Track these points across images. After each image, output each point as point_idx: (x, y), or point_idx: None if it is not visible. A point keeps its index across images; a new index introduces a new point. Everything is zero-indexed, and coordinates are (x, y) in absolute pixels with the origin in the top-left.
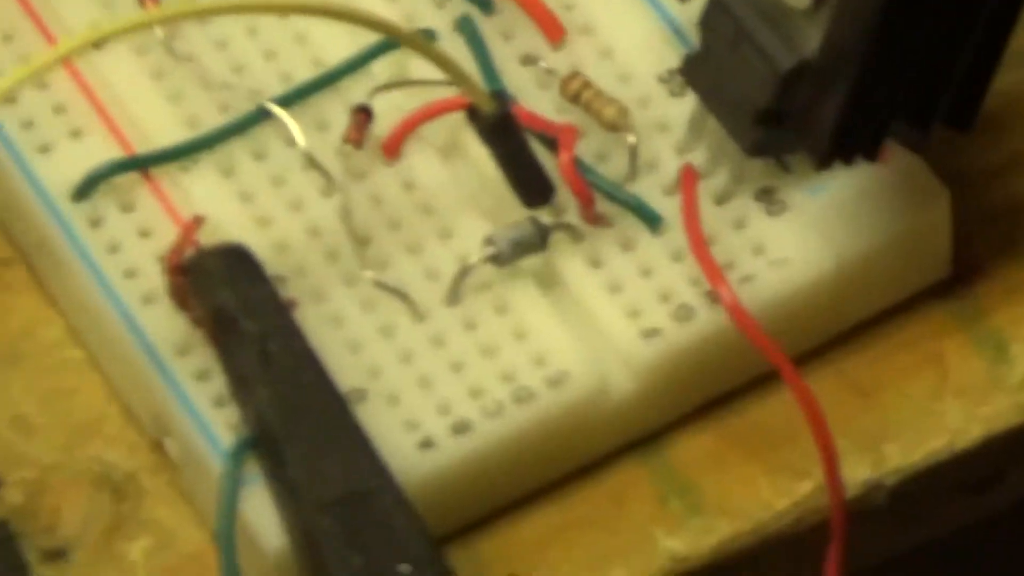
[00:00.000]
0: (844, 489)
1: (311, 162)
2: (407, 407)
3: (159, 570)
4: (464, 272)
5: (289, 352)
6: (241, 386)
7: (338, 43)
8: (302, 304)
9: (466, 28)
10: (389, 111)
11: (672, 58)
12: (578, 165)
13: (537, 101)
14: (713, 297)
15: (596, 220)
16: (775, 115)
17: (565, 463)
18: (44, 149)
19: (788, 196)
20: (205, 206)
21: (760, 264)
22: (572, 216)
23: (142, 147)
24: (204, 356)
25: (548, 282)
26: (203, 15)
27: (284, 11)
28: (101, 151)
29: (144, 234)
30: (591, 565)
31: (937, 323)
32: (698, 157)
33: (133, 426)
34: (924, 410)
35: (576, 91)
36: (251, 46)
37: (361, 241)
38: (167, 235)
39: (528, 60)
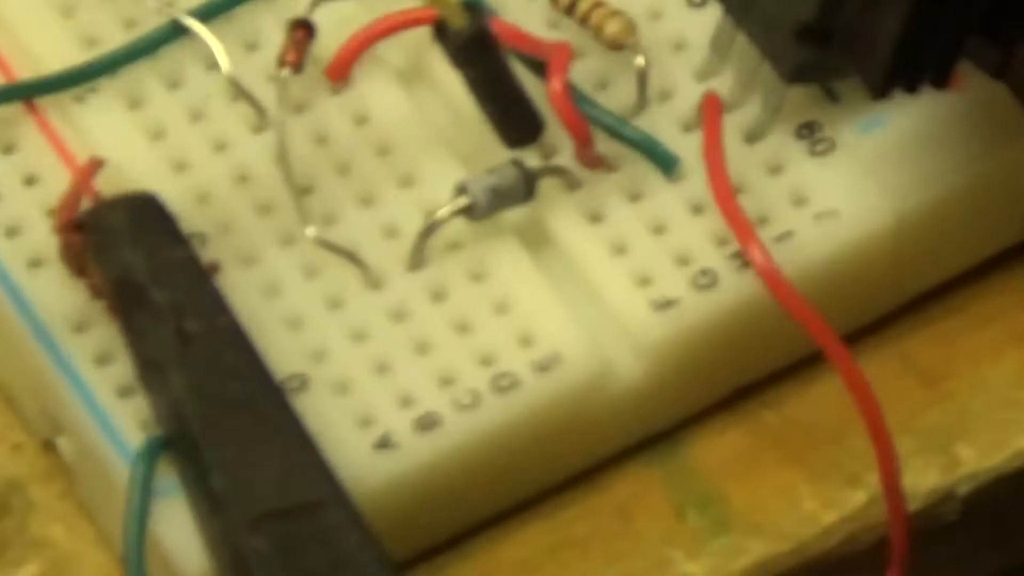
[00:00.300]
0: (906, 500)
1: (237, 90)
2: (360, 398)
3: None
4: (430, 228)
5: (211, 329)
6: (152, 372)
7: None
8: (227, 269)
9: None
10: (335, 26)
11: None
12: (573, 94)
13: (522, 13)
14: (742, 259)
15: (595, 163)
16: (820, 31)
17: (558, 468)
18: None
19: (836, 133)
20: (106, 146)
21: (801, 218)
22: (565, 158)
23: (26, 72)
24: (105, 334)
25: (536, 241)
26: None
27: None
28: None
29: (29, 181)
30: None
31: (1020, 293)
32: (724, 84)
33: (17, 422)
34: (1005, 401)
35: (571, 1)
36: None
37: (301, 190)
38: (58, 182)
39: None
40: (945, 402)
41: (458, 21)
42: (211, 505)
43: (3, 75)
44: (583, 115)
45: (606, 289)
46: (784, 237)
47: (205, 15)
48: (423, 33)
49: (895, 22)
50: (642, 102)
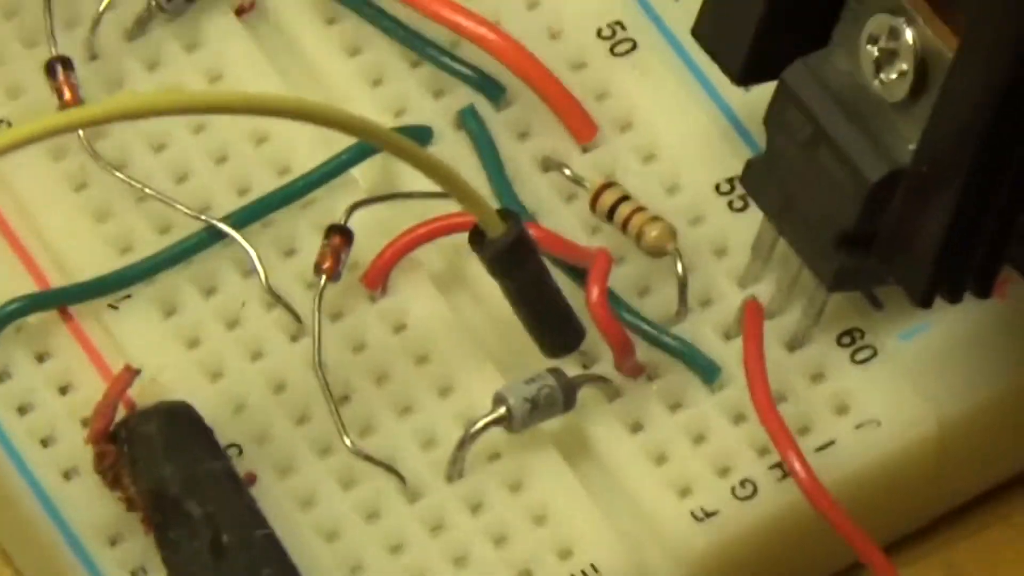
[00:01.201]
0: None
1: (274, 298)
2: None
3: None
4: (468, 439)
5: (247, 542)
6: None
7: (308, 145)
8: (263, 479)
9: (471, 124)
10: (372, 231)
11: (732, 162)
12: (613, 302)
13: (561, 217)
14: (784, 469)
15: (636, 372)
16: (862, 238)
17: None
18: None
19: (878, 341)
20: (140, 353)
21: (843, 427)
22: (606, 367)
23: (60, 279)
24: (140, 546)
25: (575, 451)
26: (134, 117)
27: (235, 111)
28: (8, 285)
29: (63, 390)
30: None
31: None
32: (765, 290)
33: None
34: None
35: (611, 206)
36: (197, 148)
37: (338, 399)
38: (92, 391)
39: (550, 165)
40: None
41: (495, 227)
42: None
43: (36, 282)
44: (623, 324)
45: (646, 500)
46: (825, 447)
47: (240, 221)
48: (460, 239)
49: (936, 232)
50: (683, 309)
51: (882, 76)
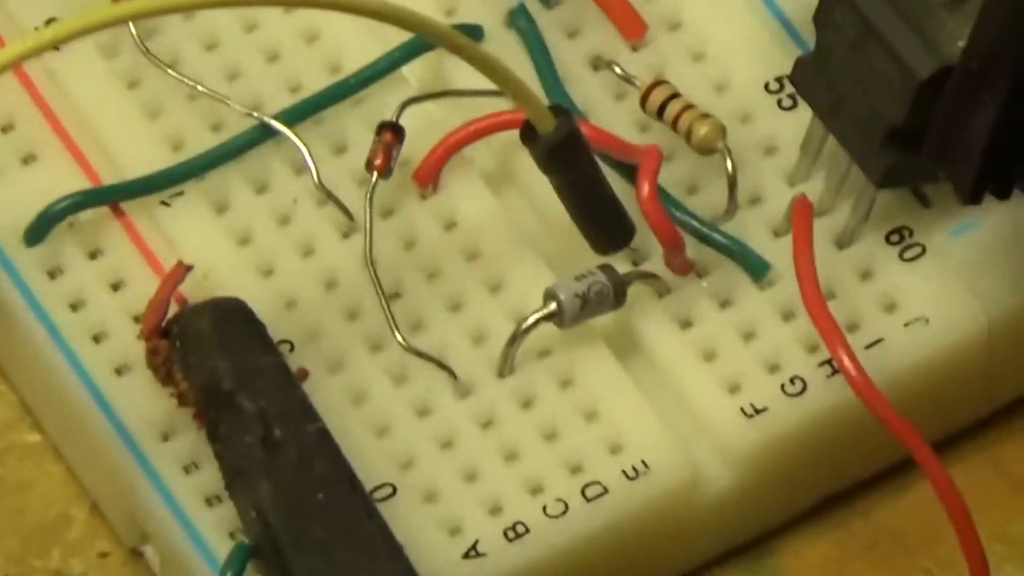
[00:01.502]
0: None
1: (325, 194)
2: (448, 506)
3: None
4: (519, 335)
5: (299, 437)
6: (239, 480)
7: (359, 43)
8: (315, 375)
9: (521, 23)
10: (423, 128)
11: (781, 61)
12: (663, 199)
13: (611, 116)
14: (833, 366)
15: (686, 268)
16: (911, 135)
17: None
18: None
19: (927, 238)
20: (192, 250)
21: (892, 324)
22: (655, 264)
23: (111, 176)
24: (192, 441)
25: (625, 347)
26: (187, 8)
27: (290, 3)
28: (60, 180)
29: (115, 286)
30: None
31: None
32: (814, 188)
33: (104, 530)
34: None
35: (660, 103)
36: (249, 47)
37: (389, 295)
38: (144, 287)
39: (600, 63)
40: None
41: (546, 124)
42: None
43: (89, 179)
44: (673, 220)
45: (696, 396)
46: (874, 344)
47: (292, 118)
48: (511, 136)
49: (985, 126)
50: (732, 207)
51: None
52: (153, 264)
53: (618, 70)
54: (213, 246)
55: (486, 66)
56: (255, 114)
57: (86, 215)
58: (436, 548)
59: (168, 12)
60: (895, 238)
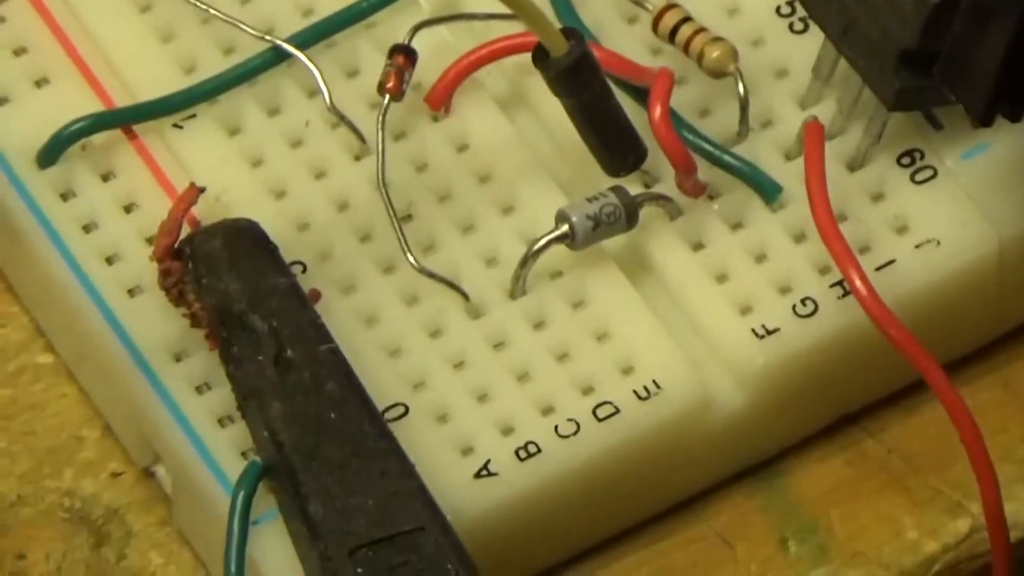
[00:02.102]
0: (1008, 529)
1: (338, 117)
2: (460, 427)
3: None
4: (531, 256)
5: (311, 357)
6: (251, 400)
7: None
8: (327, 296)
9: None
10: (435, 52)
11: None
12: (675, 121)
13: (623, 39)
14: (845, 287)
15: (698, 190)
16: (923, 57)
17: (659, 497)
18: (1, 101)
19: (939, 160)
20: (205, 173)
21: (903, 246)
22: (667, 186)
23: (124, 99)
24: (204, 362)
25: (637, 269)
26: None
27: None
28: (73, 103)
29: (128, 208)
30: None
31: None
32: (826, 111)
33: (117, 450)
34: None
35: (672, 27)
36: None
37: (401, 217)
38: (157, 209)
39: None
40: None
41: (558, 47)
42: (309, 533)
43: (102, 102)
44: (685, 143)
45: (707, 317)
46: (886, 265)
47: (304, 41)
48: (524, 59)
49: (996, 50)
50: (744, 129)
51: None
52: (166, 186)
53: None
54: (225, 168)
55: None
56: (267, 37)
57: (99, 138)
58: (448, 468)
59: None
60: (906, 160)
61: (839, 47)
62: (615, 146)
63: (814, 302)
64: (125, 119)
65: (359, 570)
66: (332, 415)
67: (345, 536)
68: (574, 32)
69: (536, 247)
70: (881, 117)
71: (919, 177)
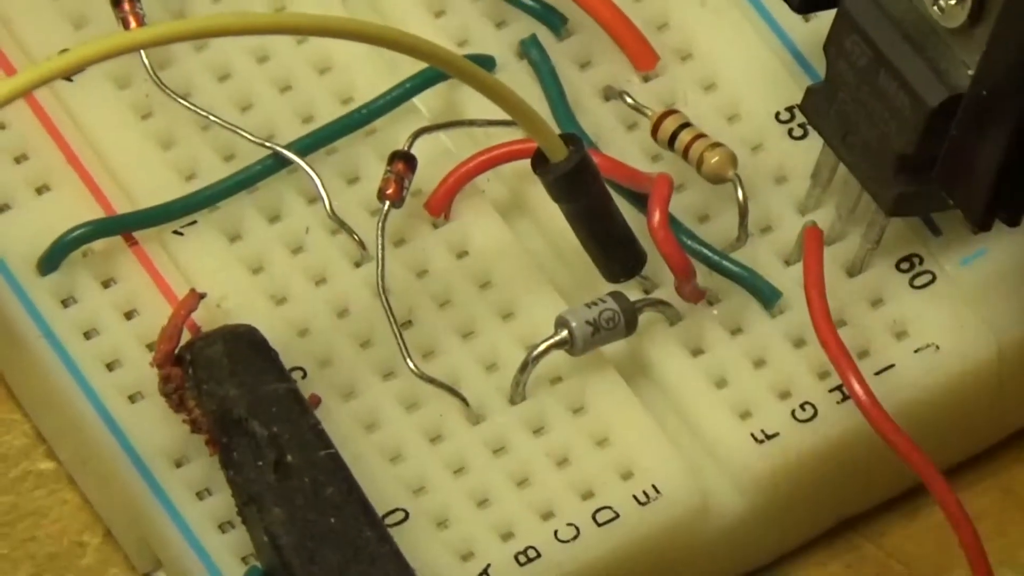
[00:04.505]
0: None
1: (338, 223)
2: (460, 532)
3: None
4: (531, 361)
5: (311, 462)
6: (251, 505)
7: (371, 73)
8: (327, 401)
9: (533, 53)
10: (435, 157)
11: (792, 91)
12: (674, 226)
13: (622, 145)
14: (844, 392)
15: (697, 296)
16: (921, 162)
17: None
18: (1, 209)
19: (937, 265)
20: (205, 279)
21: (903, 351)
22: (667, 291)
23: (125, 205)
24: (205, 468)
25: (636, 373)
26: (200, 36)
27: (302, 31)
28: (73, 210)
29: (128, 314)
30: None
31: None
32: (825, 216)
33: (118, 556)
34: None
35: (672, 132)
36: (261, 77)
37: (402, 323)
38: (157, 315)
39: (611, 93)
40: None
41: (558, 153)
42: None
43: (102, 208)
44: (684, 248)
45: (706, 422)
46: (885, 370)
47: (305, 148)
48: (523, 165)
49: (994, 154)
50: (743, 235)
51: (941, 2)
52: (166, 292)
53: (629, 99)
54: (226, 274)
55: (498, 95)
56: (268, 144)
57: (99, 244)
58: (448, 573)
59: (178, 40)
60: (905, 265)
61: (838, 153)
62: (614, 252)
63: (813, 407)
64: (126, 226)
65: None
66: (332, 520)
67: None
68: (573, 138)
69: (536, 353)
70: (880, 222)
71: (918, 282)
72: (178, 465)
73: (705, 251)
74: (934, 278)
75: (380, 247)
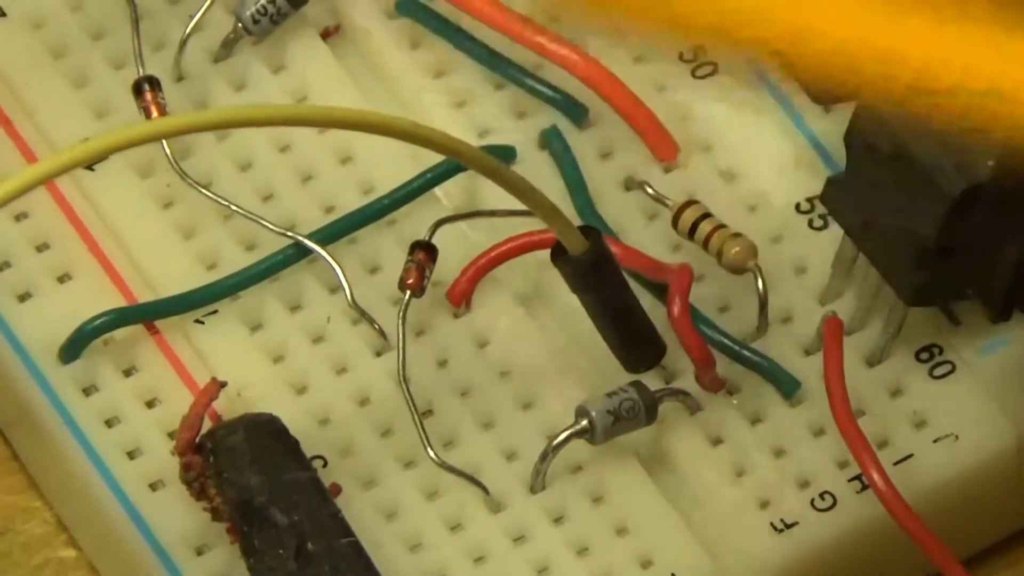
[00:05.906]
0: None
1: (359, 313)
2: None
3: None
4: (551, 451)
5: (331, 550)
6: None
7: (391, 164)
8: (348, 490)
9: (554, 144)
10: (456, 248)
11: (812, 182)
12: (694, 317)
13: (643, 235)
14: (863, 482)
15: (716, 386)
16: (941, 253)
17: None
18: (23, 297)
19: (957, 355)
20: (226, 368)
21: (922, 441)
22: (687, 381)
23: (146, 294)
24: (226, 556)
25: (656, 462)
26: (221, 127)
27: (324, 124)
28: (95, 299)
29: (150, 403)
30: None
31: None
32: (845, 307)
33: None
34: None
35: (692, 223)
36: (283, 166)
37: (422, 412)
38: (178, 404)
39: (632, 184)
40: None
41: (577, 244)
42: None
43: (124, 297)
44: (704, 339)
45: (726, 511)
46: (904, 460)
47: (326, 238)
48: (543, 254)
49: (1015, 245)
50: (763, 325)
51: None
52: (187, 381)
53: (650, 190)
54: (247, 363)
55: (517, 189)
56: (289, 233)
57: (121, 333)
58: None
59: (199, 130)
60: (925, 356)
61: (858, 243)
62: (634, 342)
63: (832, 496)
64: (147, 315)
65: None
66: None
67: None
68: (592, 230)
69: (556, 442)
70: (900, 312)
71: (937, 372)
72: (199, 553)
73: (725, 341)
74: (953, 368)
75: (401, 336)
